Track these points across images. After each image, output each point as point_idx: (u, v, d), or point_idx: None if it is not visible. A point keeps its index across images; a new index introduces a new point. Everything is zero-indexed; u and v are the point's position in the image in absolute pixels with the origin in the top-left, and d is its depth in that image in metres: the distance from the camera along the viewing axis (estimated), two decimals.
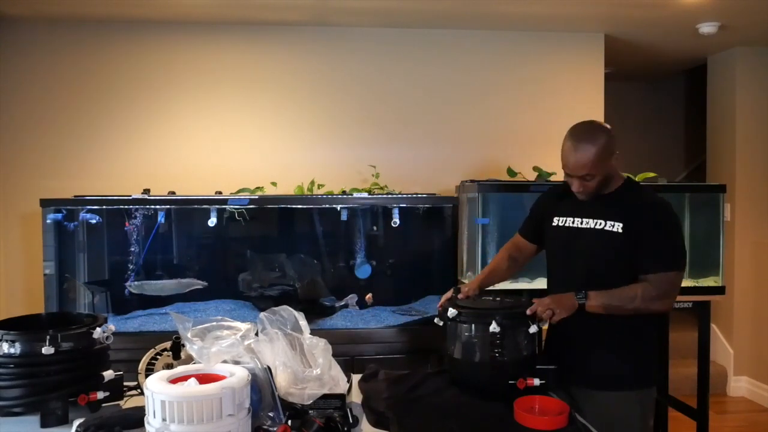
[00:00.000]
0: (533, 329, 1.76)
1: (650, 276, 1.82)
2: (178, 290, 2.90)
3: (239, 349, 1.47)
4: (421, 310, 3.01)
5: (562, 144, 1.87)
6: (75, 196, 3.06)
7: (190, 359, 1.53)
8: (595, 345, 1.91)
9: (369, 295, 3.01)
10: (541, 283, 2.78)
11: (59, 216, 2.81)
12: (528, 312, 1.78)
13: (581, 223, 1.94)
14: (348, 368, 1.79)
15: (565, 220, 1.99)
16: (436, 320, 1.91)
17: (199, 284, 2.90)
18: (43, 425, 1.55)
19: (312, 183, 3.29)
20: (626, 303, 1.82)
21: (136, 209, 2.91)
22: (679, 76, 5.44)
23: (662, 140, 5.60)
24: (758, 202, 4.23)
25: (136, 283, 2.85)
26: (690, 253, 3.10)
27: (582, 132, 1.86)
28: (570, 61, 3.78)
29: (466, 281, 3.04)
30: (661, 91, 5.60)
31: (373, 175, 3.43)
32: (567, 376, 1.87)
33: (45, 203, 2.75)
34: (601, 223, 1.89)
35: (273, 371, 1.47)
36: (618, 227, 1.86)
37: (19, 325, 1.67)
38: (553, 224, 2.03)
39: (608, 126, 1.91)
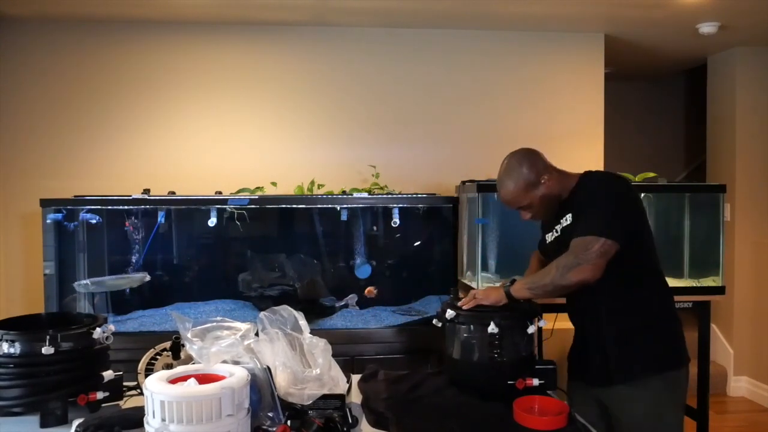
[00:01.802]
0: (531, 329, 1.76)
1: (572, 242, 1.79)
2: (130, 285, 2.87)
3: (239, 349, 1.47)
4: (421, 310, 3.01)
5: None
6: (75, 196, 3.06)
7: (189, 359, 1.53)
8: (607, 341, 1.87)
9: (370, 288, 2.98)
10: None
11: (59, 216, 2.81)
12: (461, 305, 1.84)
13: (556, 232, 1.96)
14: (348, 368, 1.79)
15: (549, 235, 2.00)
16: (434, 322, 1.91)
17: (147, 276, 2.88)
18: (43, 425, 1.55)
19: (312, 183, 3.29)
20: (542, 277, 1.80)
21: (136, 209, 2.91)
22: (679, 76, 5.44)
23: (662, 140, 5.60)
24: (758, 202, 4.22)
25: (83, 282, 2.81)
26: (690, 253, 3.11)
27: (502, 171, 1.93)
28: (570, 61, 3.78)
29: (466, 281, 3.04)
30: (661, 91, 5.60)
31: (373, 175, 3.43)
32: (591, 380, 1.87)
33: (45, 203, 2.75)
34: (561, 222, 1.91)
35: (273, 371, 1.47)
36: (569, 218, 1.88)
37: (19, 325, 1.67)
38: (546, 241, 2.04)
39: (526, 149, 1.93)
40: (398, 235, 3.12)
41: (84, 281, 2.80)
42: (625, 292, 1.87)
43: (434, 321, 1.91)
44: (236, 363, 1.45)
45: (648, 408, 1.83)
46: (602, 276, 1.76)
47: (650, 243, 1.92)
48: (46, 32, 3.41)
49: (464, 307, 1.84)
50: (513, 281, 1.87)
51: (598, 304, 1.89)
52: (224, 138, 3.54)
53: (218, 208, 2.83)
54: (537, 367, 1.74)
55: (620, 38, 3.87)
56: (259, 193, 3.11)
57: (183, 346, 1.58)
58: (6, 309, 3.35)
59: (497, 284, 2.00)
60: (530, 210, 1.93)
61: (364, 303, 3.04)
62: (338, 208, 2.91)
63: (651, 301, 1.90)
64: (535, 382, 1.69)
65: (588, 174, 1.94)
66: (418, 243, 3.23)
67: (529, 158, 1.90)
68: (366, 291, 3.00)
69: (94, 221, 2.88)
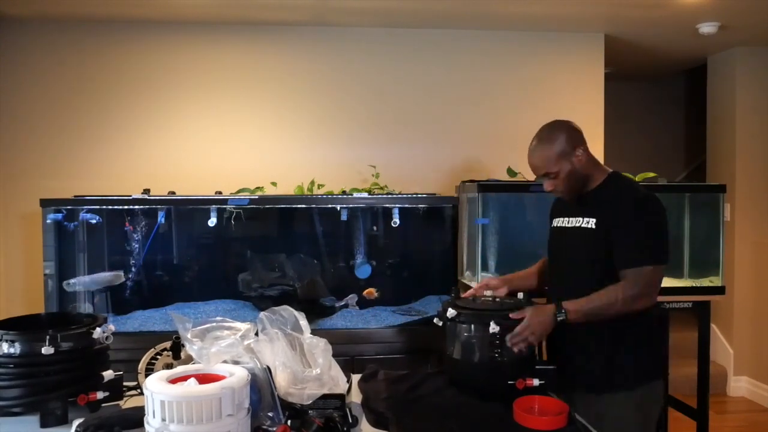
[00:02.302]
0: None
1: (627, 271, 1.79)
2: (114, 282, 2.88)
3: (239, 349, 1.47)
4: (421, 310, 3.01)
5: None
6: (75, 196, 3.06)
7: (189, 359, 1.53)
8: (589, 347, 1.88)
9: (370, 290, 2.97)
10: None
11: (59, 216, 2.80)
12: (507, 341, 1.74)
13: (567, 223, 1.96)
14: (348, 368, 1.79)
15: (560, 221, 2.01)
16: (435, 320, 1.91)
17: (121, 276, 2.91)
18: (43, 425, 1.55)
19: (312, 183, 3.29)
20: (607, 308, 1.78)
21: (136, 209, 2.91)
22: (679, 76, 5.44)
23: (662, 140, 5.60)
24: (758, 202, 4.23)
25: (72, 281, 2.81)
26: (690, 253, 3.11)
27: (541, 132, 1.92)
28: (570, 61, 3.78)
29: (466, 281, 3.04)
30: (661, 91, 5.60)
31: (373, 175, 3.43)
32: (567, 381, 1.87)
33: (45, 203, 2.75)
34: (579, 221, 1.91)
35: (273, 371, 1.47)
36: (592, 223, 1.87)
37: (19, 325, 1.67)
38: (552, 225, 2.05)
39: (571, 123, 1.92)
40: (398, 235, 3.12)
41: (72, 280, 2.80)
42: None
43: (435, 320, 1.91)
44: (236, 363, 1.45)
45: (625, 416, 1.85)
46: (606, 280, 1.80)
47: None
48: (46, 32, 3.41)
49: (511, 343, 1.74)
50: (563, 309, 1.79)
51: None
52: (224, 138, 3.54)
53: (218, 208, 2.83)
54: (537, 367, 1.74)
55: (620, 38, 3.87)
56: (259, 193, 3.11)
57: (183, 346, 1.58)
58: (6, 309, 3.35)
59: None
60: (554, 182, 1.90)
61: (364, 303, 3.04)
62: (338, 208, 2.91)
63: (643, 316, 1.88)
64: (535, 382, 1.69)
65: (617, 177, 1.94)
66: (418, 243, 3.23)
67: (570, 130, 1.89)
68: (365, 292, 2.99)
69: (94, 221, 2.88)
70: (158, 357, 1.86)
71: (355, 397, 1.76)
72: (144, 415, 1.28)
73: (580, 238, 1.90)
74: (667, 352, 3.23)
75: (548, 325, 1.77)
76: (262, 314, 1.63)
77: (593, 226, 1.86)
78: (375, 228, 3.15)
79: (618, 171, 1.97)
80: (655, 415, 1.94)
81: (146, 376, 1.70)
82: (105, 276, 2.88)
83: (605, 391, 1.86)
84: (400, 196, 3.06)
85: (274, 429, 1.35)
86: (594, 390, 1.86)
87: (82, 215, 2.85)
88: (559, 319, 1.77)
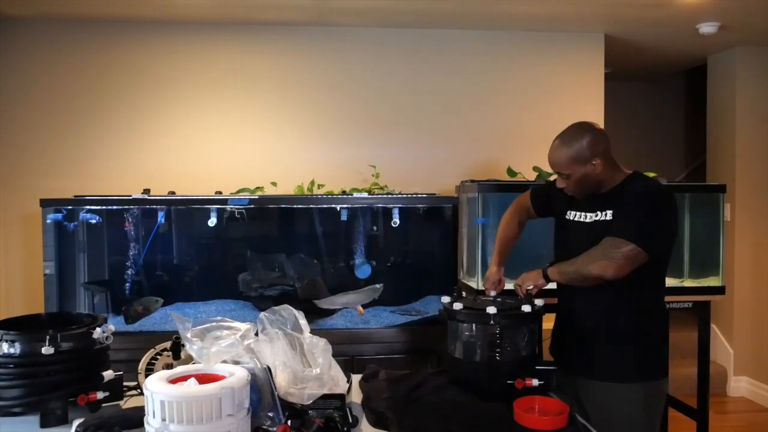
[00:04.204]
0: (526, 308, 1.77)
1: (611, 238, 1.82)
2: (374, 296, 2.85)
3: (239, 349, 1.47)
4: (421, 310, 3.01)
5: None
6: (75, 196, 3.05)
7: (189, 359, 1.53)
8: (598, 336, 1.93)
9: (359, 308, 2.96)
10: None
11: (59, 216, 2.80)
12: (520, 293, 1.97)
13: (586, 218, 1.98)
14: (348, 368, 1.79)
15: (579, 215, 2.01)
16: (440, 308, 1.92)
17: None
18: (43, 425, 1.55)
19: (312, 183, 3.29)
20: (571, 264, 1.87)
21: (136, 209, 2.91)
22: (679, 76, 5.44)
23: (662, 140, 5.60)
24: (758, 202, 4.22)
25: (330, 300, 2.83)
26: (690, 253, 3.11)
27: (566, 132, 1.95)
28: (570, 61, 3.78)
29: (465, 281, 3.04)
30: (661, 91, 5.60)
31: (373, 175, 3.43)
32: (571, 368, 1.88)
33: (45, 203, 2.75)
34: (598, 214, 1.93)
35: (273, 371, 1.47)
36: (609, 214, 1.90)
37: (19, 325, 1.67)
38: (567, 217, 2.05)
39: (597, 130, 1.93)
40: (398, 235, 3.12)
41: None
42: (628, 298, 1.91)
43: (440, 308, 1.92)
44: (236, 363, 1.45)
45: (625, 411, 1.88)
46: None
47: (668, 261, 1.97)
48: (46, 32, 3.41)
49: (520, 292, 1.98)
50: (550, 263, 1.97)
51: (598, 302, 1.93)
52: (224, 138, 3.53)
53: (218, 208, 2.83)
54: (537, 367, 1.74)
55: (620, 38, 3.87)
56: (259, 193, 3.11)
57: (183, 346, 1.58)
58: (6, 309, 3.35)
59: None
60: (567, 181, 1.94)
61: (363, 303, 3.04)
62: (338, 208, 2.91)
63: (649, 312, 1.95)
64: (535, 382, 1.69)
65: (638, 176, 1.97)
66: (418, 243, 3.23)
67: (594, 136, 1.90)
68: (357, 309, 2.96)
69: (94, 221, 2.88)
70: (158, 357, 1.86)
71: (355, 397, 1.76)
72: (144, 415, 1.28)
73: (601, 231, 1.90)
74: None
75: (536, 272, 1.97)
76: (262, 314, 1.63)
77: (609, 217, 1.89)
78: (375, 228, 3.15)
79: (639, 171, 1.99)
80: (659, 412, 1.96)
81: (146, 376, 1.70)
82: (367, 290, 2.86)
83: (607, 380, 1.89)
84: (400, 196, 3.06)
85: (274, 429, 1.35)
86: (596, 377, 1.91)
87: (82, 215, 2.85)
88: (544, 269, 1.96)
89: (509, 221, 2.24)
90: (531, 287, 1.96)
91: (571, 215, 2.03)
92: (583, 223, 1.98)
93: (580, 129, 1.92)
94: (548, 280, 1.95)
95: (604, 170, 1.90)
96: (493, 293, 2.09)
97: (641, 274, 1.83)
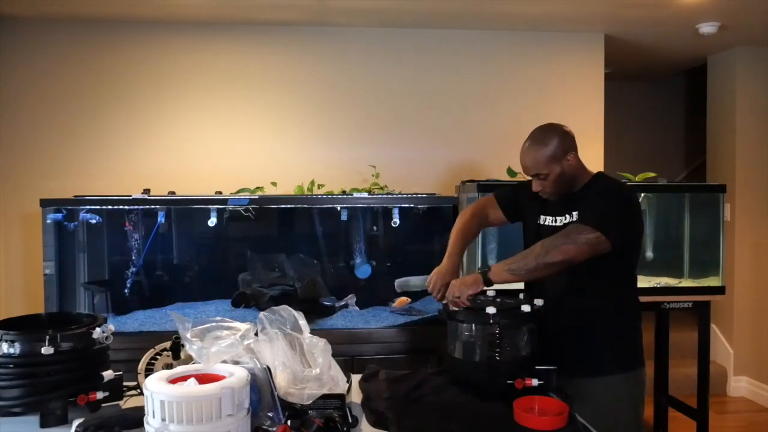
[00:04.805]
0: (526, 308, 1.77)
1: (570, 225, 1.85)
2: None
3: (239, 349, 1.47)
4: (422, 310, 3.01)
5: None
6: (75, 196, 3.06)
7: (189, 359, 1.53)
8: (576, 336, 1.95)
9: (401, 299, 2.98)
10: None
11: (59, 216, 2.81)
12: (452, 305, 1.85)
13: (557, 222, 2.00)
14: (348, 368, 1.79)
15: (547, 219, 2.03)
16: (440, 309, 1.92)
17: None
18: (43, 425, 1.55)
19: (312, 183, 3.29)
20: (526, 257, 1.83)
21: (136, 209, 2.91)
22: (679, 76, 5.44)
23: (662, 140, 5.60)
24: (758, 202, 4.22)
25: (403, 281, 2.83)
26: (690, 253, 3.11)
27: (535, 134, 1.98)
28: (570, 61, 3.78)
29: None
30: (661, 91, 5.60)
31: (373, 175, 3.43)
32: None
33: (45, 203, 2.75)
34: (567, 217, 1.95)
35: (272, 371, 1.47)
36: (575, 216, 1.92)
37: (19, 325, 1.67)
38: (540, 222, 2.06)
39: (564, 127, 1.97)
40: (398, 235, 3.12)
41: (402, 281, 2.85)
42: (600, 294, 1.95)
43: (439, 308, 1.92)
44: (236, 363, 1.45)
45: (607, 403, 1.90)
46: (583, 273, 1.85)
47: (636, 258, 2.00)
48: (46, 32, 3.41)
49: (453, 306, 1.85)
50: (488, 267, 1.91)
51: (571, 304, 1.95)
52: (224, 138, 3.54)
53: (218, 208, 2.83)
54: (537, 367, 1.74)
55: (620, 38, 3.87)
56: (259, 193, 3.11)
57: (183, 346, 1.58)
58: (6, 309, 3.35)
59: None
60: (544, 183, 1.95)
61: (363, 303, 3.04)
62: (338, 208, 2.91)
63: (622, 311, 1.98)
64: (534, 382, 1.69)
65: (601, 175, 2.01)
66: (418, 243, 3.23)
67: (563, 132, 1.95)
68: (397, 302, 2.97)
69: (94, 221, 2.88)
70: (158, 357, 1.86)
71: (355, 397, 1.76)
72: (144, 415, 1.28)
73: None
74: (667, 357, 3.24)
75: (473, 277, 1.87)
76: (261, 314, 1.63)
77: (576, 218, 1.91)
78: (375, 228, 3.15)
79: (603, 172, 2.03)
80: (642, 398, 1.99)
81: (146, 376, 1.70)
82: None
83: (589, 375, 1.92)
84: (400, 196, 3.06)
85: (274, 429, 1.35)
86: (578, 374, 1.91)
87: (82, 215, 2.85)
88: (482, 272, 1.86)
89: (470, 221, 2.18)
90: (471, 295, 1.86)
91: (543, 220, 2.05)
92: (556, 227, 1.99)
93: (549, 128, 1.97)
94: (490, 284, 1.87)
95: (576, 165, 1.95)
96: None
97: (611, 274, 1.90)
